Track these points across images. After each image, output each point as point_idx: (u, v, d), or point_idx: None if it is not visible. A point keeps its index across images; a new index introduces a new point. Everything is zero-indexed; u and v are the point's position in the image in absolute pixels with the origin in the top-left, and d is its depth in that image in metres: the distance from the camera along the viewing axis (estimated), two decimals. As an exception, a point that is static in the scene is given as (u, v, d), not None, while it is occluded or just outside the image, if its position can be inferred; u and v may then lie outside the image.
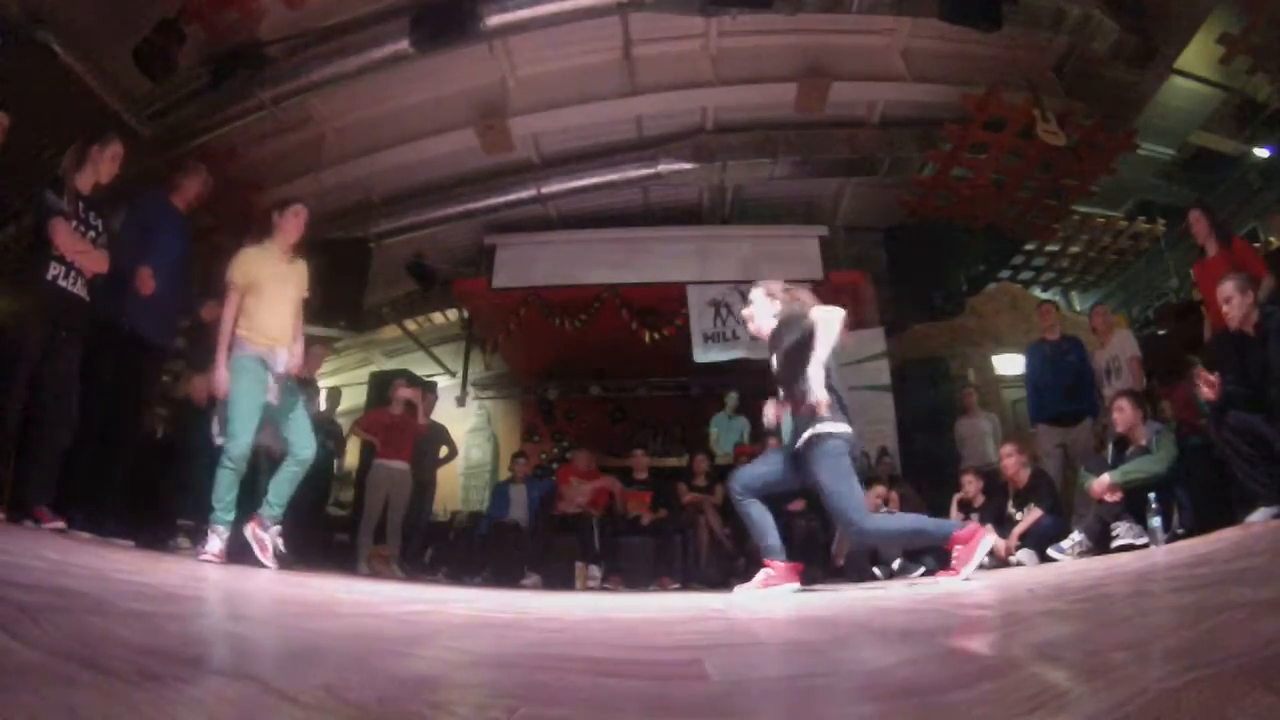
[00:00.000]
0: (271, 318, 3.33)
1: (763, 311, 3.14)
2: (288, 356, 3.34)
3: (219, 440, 3.21)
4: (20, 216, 3.11)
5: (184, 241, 3.89)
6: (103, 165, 3.25)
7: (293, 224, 3.47)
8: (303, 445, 3.33)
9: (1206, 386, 3.40)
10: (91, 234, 3.20)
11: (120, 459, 3.51)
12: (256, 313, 3.29)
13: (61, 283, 3.04)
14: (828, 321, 2.80)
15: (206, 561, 2.92)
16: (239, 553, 3.22)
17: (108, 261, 3.22)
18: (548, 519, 5.85)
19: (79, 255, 3.09)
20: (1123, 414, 3.91)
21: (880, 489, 5.30)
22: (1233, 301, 3.39)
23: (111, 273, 3.26)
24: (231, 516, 3.10)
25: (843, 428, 2.81)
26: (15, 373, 2.87)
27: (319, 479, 5.96)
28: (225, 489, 3.11)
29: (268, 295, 3.33)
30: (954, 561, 2.81)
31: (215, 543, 3.02)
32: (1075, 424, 4.92)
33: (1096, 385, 5.02)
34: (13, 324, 2.92)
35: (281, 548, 3.23)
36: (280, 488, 3.27)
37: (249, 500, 3.32)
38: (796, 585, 2.93)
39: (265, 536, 3.18)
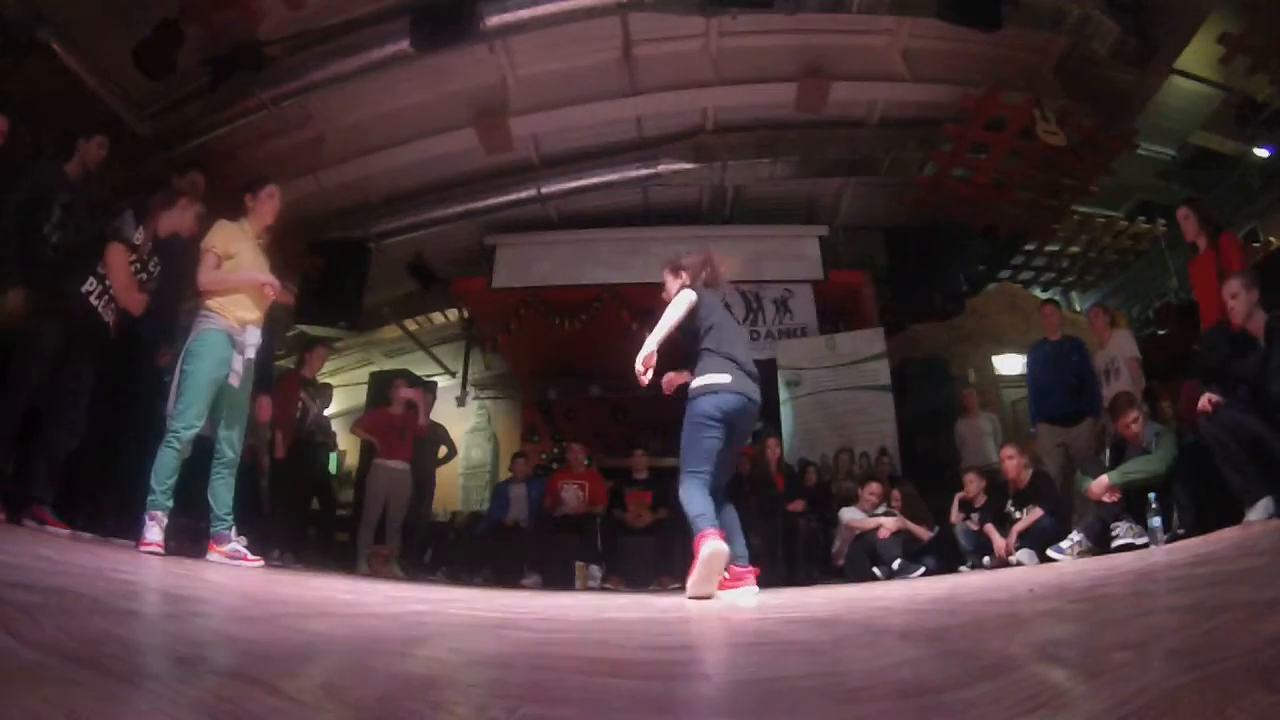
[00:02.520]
0: (245, 296, 3.13)
1: (672, 285, 3.21)
2: (257, 337, 3.14)
3: (170, 417, 2.98)
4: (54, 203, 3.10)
5: (178, 253, 3.87)
6: (189, 216, 3.29)
7: (268, 205, 3.30)
8: (233, 445, 3.12)
9: (1208, 404, 3.36)
10: (143, 276, 3.21)
11: (121, 460, 3.51)
12: (243, 279, 3.10)
13: (93, 299, 3.06)
14: (674, 304, 2.98)
15: (148, 553, 2.73)
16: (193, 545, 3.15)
17: (144, 307, 3.22)
18: (547, 519, 5.85)
19: (121, 290, 3.11)
20: (1136, 426, 3.89)
21: (875, 486, 5.31)
22: (1238, 298, 3.37)
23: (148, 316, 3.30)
24: (171, 502, 2.89)
25: (716, 379, 2.90)
26: (25, 375, 2.88)
27: (320, 480, 5.97)
28: (167, 471, 2.87)
29: (242, 271, 3.13)
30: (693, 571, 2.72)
31: (155, 531, 2.80)
32: (1076, 424, 4.92)
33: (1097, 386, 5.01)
34: (31, 325, 2.93)
35: (245, 545, 3.09)
36: (221, 496, 3.08)
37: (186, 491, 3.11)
38: (756, 589, 2.81)
39: (234, 548, 3.04)
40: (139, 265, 3.17)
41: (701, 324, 3.00)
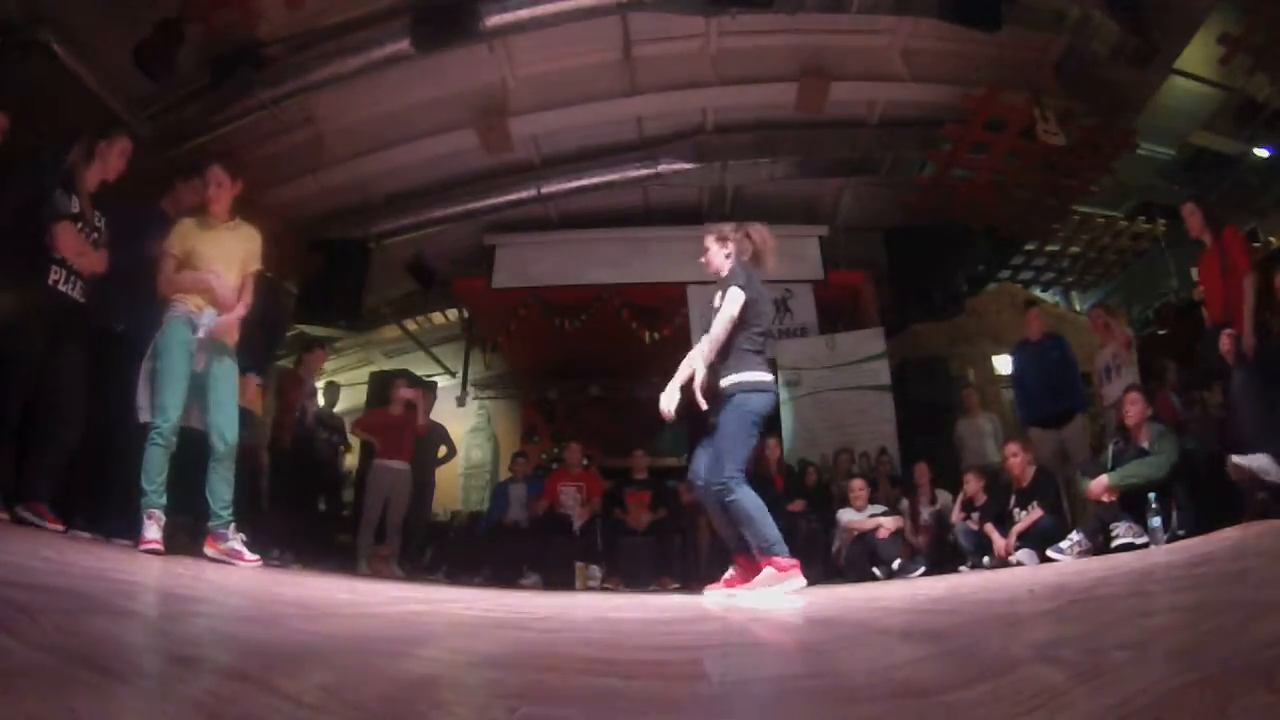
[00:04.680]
0: (200, 283, 3.12)
1: (716, 253, 3.13)
2: (211, 316, 3.09)
3: (144, 417, 2.97)
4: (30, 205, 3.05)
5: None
6: (111, 161, 3.22)
7: (205, 193, 3.25)
8: (225, 431, 3.08)
9: (1228, 340, 3.39)
10: (95, 235, 3.17)
11: (120, 459, 3.50)
12: (191, 278, 3.12)
13: (62, 288, 3.03)
14: (729, 301, 2.92)
15: (147, 552, 2.73)
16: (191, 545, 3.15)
17: (105, 263, 3.18)
18: (548, 519, 5.84)
19: (79, 257, 3.07)
20: (1135, 406, 3.94)
21: (858, 483, 5.35)
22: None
23: (108, 277, 3.21)
24: (164, 499, 2.87)
25: (763, 376, 2.91)
26: (17, 375, 2.87)
27: (327, 478, 5.97)
28: (156, 469, 2.87)
29: (203, 263, 3.14)
30: (757, 579, 2.76)
31: (153, 530, 2.80)
32: (1066, 423, 4.91)
33: (1095, 382, 5.01)
34: (11, 327, 2.91)
35: (244, 541, 3.07)
36: (218, 491, 3.05)
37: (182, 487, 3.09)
38: (804, 582, 2.81)
39: (231, 546, 3.01)
40: (87, 229, 3.13)
41: (750, 319, 2.95)
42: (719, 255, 3.12)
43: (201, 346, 3.05)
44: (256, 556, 3.09)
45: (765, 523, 2.77)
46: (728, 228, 3.18)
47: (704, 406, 2.93)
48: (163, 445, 2.90)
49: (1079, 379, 4.97)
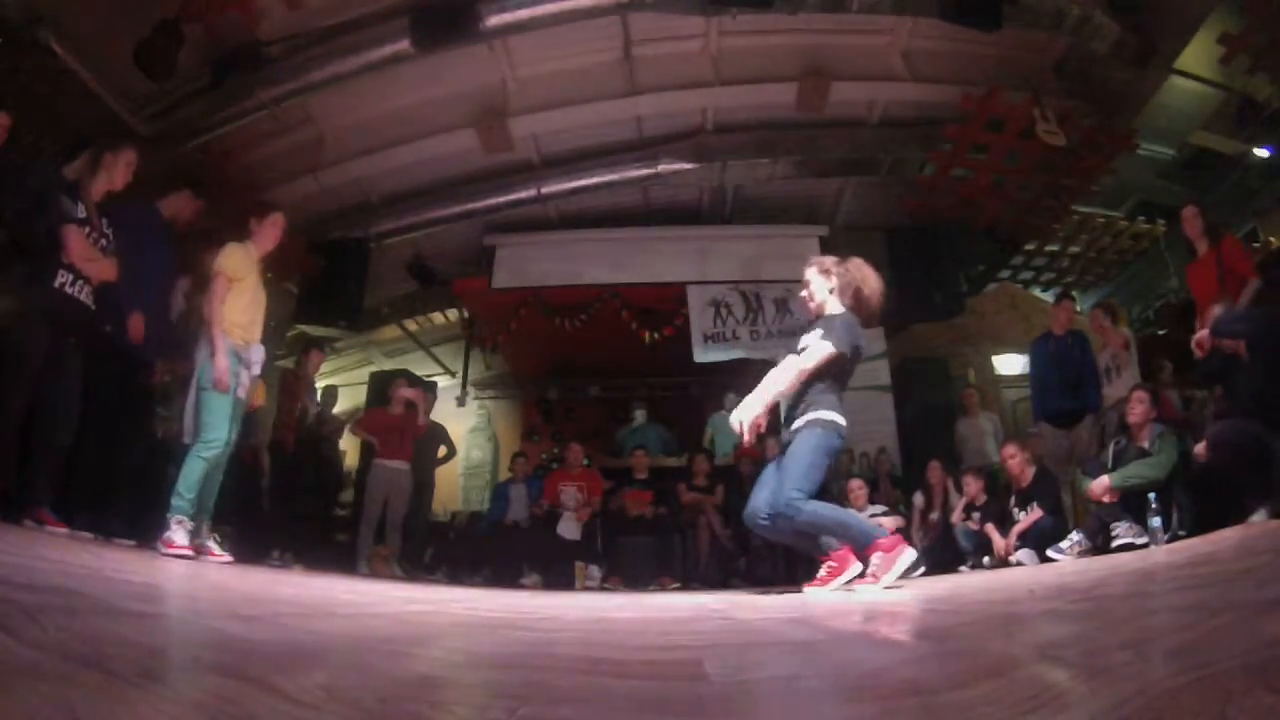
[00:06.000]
0: (247, 315, 3.38)
1: (820, 288, 3.06)
2: (261, 354, 3.39)
3: (190, 439, 3.17)
4: (28, 215, 3.06)
5: (169, 254, 3.88)
6: (116, 172, 3.27)
7: (270, 233, 3.52)
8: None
9: (1198, 347, 3.44)
10: (103, 242, 3.21)
11: (122, 459, 3.51)
12: (236, 308, 3.32)
13: (69, 290, 3.05)
14: (812, 353, 2.87)
15: (176, 556, 2.85)
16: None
17: (116, 269, 3.23)
18: (548, 518, 5.84)
19: (88, 264, 3.11)
20: (1141, 405, 3.95)
21: (855, 483, 5.34)
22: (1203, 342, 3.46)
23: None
24: (194, 511, 3.08)
25: (840, 419, 2.89)
26: (20, 375, 2.87)
27: (327, 478, 5.96)
28: (195, 480, 3.07)
29: (249, 293, 3.38)
30: (872, 568, 2.72)
31: (180, 535, 2.96)
32: (1078, 423, 4.91)
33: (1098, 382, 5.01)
34: (18, 327, 2.92)
35: (217, 540, 3.23)
36: (186, 478, 3.17)
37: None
38: (915, 552, 2.80)
39: (204, 544, 3.14)
40: (95, 236, 3.19)
41: (839, 370, 2.91)
42: (823, 290, 3.03)
43: (251, 382, 3.34)
44: (226, 554, 3.22)
45: (848, 520, 2.80)
46: (830, 260, 3.08)
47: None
48: (205, 461, 3.11)
49: (1097, 381, 4.96)
